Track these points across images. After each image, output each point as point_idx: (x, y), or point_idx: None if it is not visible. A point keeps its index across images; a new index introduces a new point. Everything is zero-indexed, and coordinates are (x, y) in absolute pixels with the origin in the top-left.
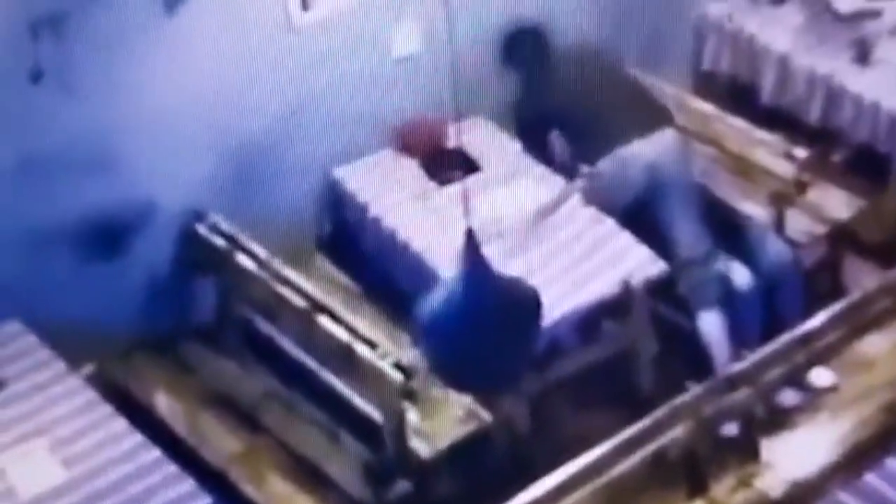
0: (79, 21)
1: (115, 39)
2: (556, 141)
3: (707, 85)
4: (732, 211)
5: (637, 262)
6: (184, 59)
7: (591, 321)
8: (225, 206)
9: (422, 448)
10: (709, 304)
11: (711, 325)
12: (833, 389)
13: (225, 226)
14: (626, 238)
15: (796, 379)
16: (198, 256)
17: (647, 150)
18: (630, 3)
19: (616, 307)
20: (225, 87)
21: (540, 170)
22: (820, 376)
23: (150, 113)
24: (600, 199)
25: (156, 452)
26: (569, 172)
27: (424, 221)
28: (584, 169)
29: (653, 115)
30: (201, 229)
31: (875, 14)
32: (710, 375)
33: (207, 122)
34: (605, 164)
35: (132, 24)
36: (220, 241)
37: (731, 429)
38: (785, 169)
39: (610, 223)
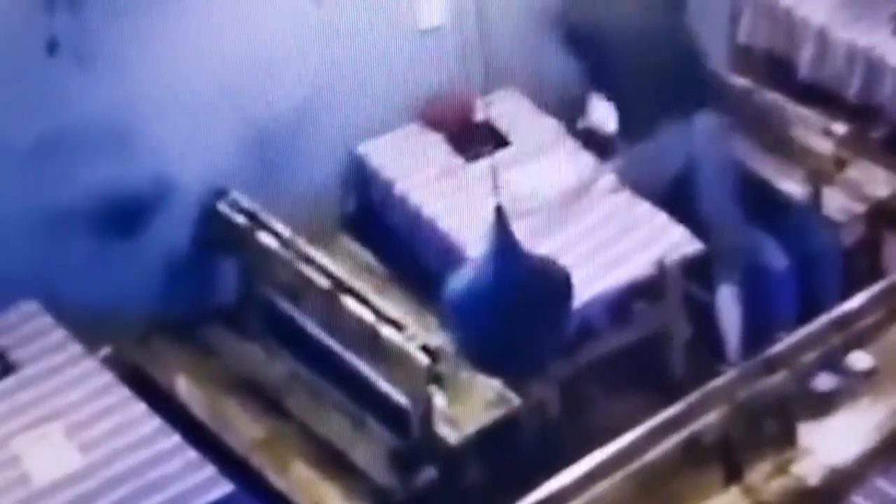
0: None
1: (135, 11)
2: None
3: (743, 59)
4: (769, 188)
5: (672, 242)
6: (205, 31)
7: (623, 303)
8: (246, 183)
9: (449, 434)
10: (729, 279)
11: (727, 298)
12: (871, 373)
13: (246, 203)
14: (660, 218)
15: (834, 362)
16: (219, 235)
17: (685, 130)
18: None
19: (649, 289)
20: (247, 61)
21: (572, 144)
22: (858, 360)
23: (169, 88)
24: (637, 177)
25: (175, 438)
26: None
27: (452, 198)
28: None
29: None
30: (222, 207)
31: None
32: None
33: (229, 96)
34: (642, 145)
35: None
36: (241, 220)
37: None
38: (823, 145)
39: (644, 203)
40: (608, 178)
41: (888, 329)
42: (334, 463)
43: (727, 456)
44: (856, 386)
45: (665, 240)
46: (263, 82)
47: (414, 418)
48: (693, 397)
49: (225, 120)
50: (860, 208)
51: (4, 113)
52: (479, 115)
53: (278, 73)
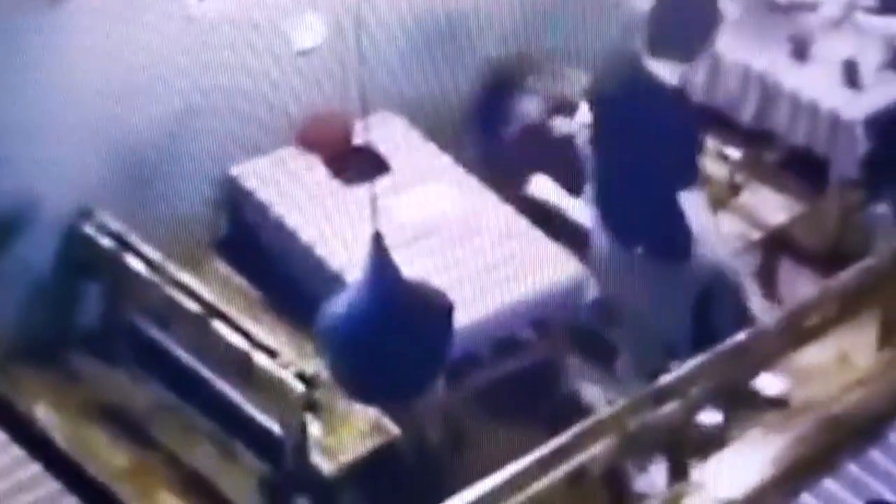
0: None
1: None
2: None
3: None
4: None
5: (561, 270)
6: (70, 52)
7: (507, 330)
8: (115, 205)
9: (324, 464)
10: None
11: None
12: (783, 400)
13: (114, 225)
14: (547, 245)
15: (726, 394)
16: (84, 258)
17: None
18: None
19: (534, 315)
20: (116, 81)
21: (454, 170)
22: (770, 385)
23: (33, 108)
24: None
25: (36, 468)
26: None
27: (328, 223)
28: None
29: None
30: (88, 229)
31: (812, 6)
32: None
33: (96, 116)
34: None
35: (13, 19)
36: (108, 242)
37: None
38: (718, 170)
39: (532, 230)
40: (492, 201)
41: (784, 359)
42: (203, 494)
43: (615, 488)
44: (750, 417)
45: (550, 266)
46: (134, 103)
47: (287, 447)
48: (580, 427)
49: (91, 142)
50: (756, 235)
51: None
52: (358, 139)
53: (150, 94)
